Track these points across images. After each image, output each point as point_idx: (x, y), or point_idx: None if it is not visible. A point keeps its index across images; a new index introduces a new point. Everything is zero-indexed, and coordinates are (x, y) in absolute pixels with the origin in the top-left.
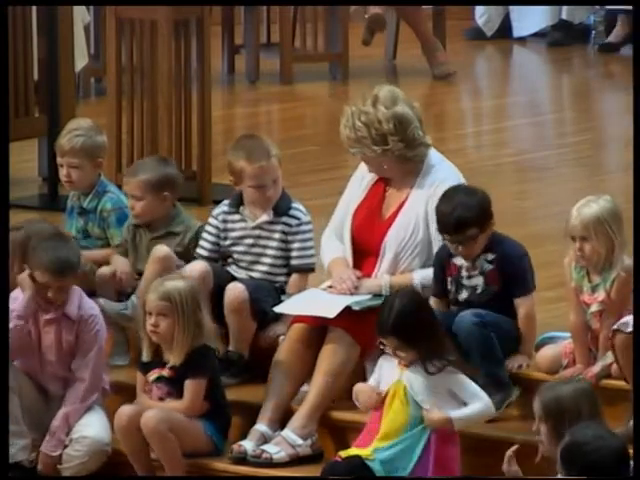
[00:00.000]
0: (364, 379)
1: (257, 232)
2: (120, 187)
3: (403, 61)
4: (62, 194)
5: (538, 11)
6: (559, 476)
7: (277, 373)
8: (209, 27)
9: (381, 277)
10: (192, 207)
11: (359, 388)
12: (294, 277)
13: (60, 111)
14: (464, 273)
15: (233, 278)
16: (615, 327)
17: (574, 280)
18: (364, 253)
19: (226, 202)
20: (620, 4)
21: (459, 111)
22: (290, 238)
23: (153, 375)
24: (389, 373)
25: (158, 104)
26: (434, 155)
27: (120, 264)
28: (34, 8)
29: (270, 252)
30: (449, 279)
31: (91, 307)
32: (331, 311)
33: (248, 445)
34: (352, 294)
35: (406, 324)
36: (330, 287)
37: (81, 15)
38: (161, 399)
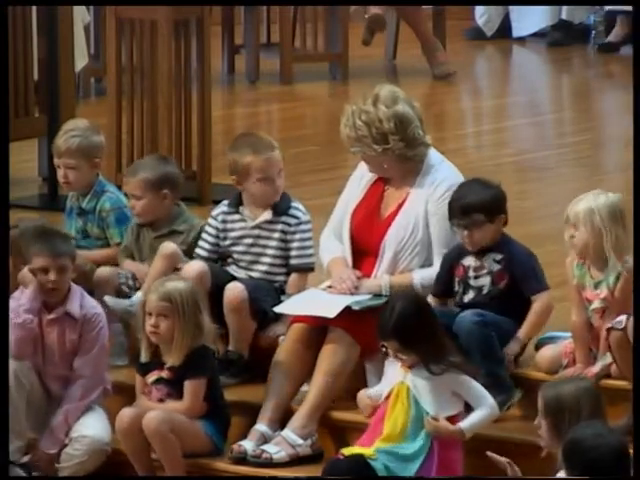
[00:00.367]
0: (364, 379)
1: (256, 232)
2: (120, 187)
3: (403, 61)
4: (62, 194)
5: (538, 11)
6: (560, 473)
7: (277, 373)
8: (209, 27)
9: (381, 277)
10: (192, 207)
11: (360, 397)
12: (293, 277)
13: (60, 111)
14: (471, 273)
15: (233, 278)
16: (609, 325)
17: (576, 277)
18: (363, 253)
19: (225, 202)
20: (620, 4)
21: (459, 111)
22: (289, 238)
23: (152, 377)
24: (395, 379)
25: (158, 104)
26: (434, 155)
27: (136, 268)
28: (34, 8)
29: (270, 252)
30: (456, 280)
31: (93, 306)
32: (331, 311)
33: (248, 445)
34: (352, 294)
35: (407, 327)
36: (330, 287)
37: (81, 15)
38: (161, 400)
